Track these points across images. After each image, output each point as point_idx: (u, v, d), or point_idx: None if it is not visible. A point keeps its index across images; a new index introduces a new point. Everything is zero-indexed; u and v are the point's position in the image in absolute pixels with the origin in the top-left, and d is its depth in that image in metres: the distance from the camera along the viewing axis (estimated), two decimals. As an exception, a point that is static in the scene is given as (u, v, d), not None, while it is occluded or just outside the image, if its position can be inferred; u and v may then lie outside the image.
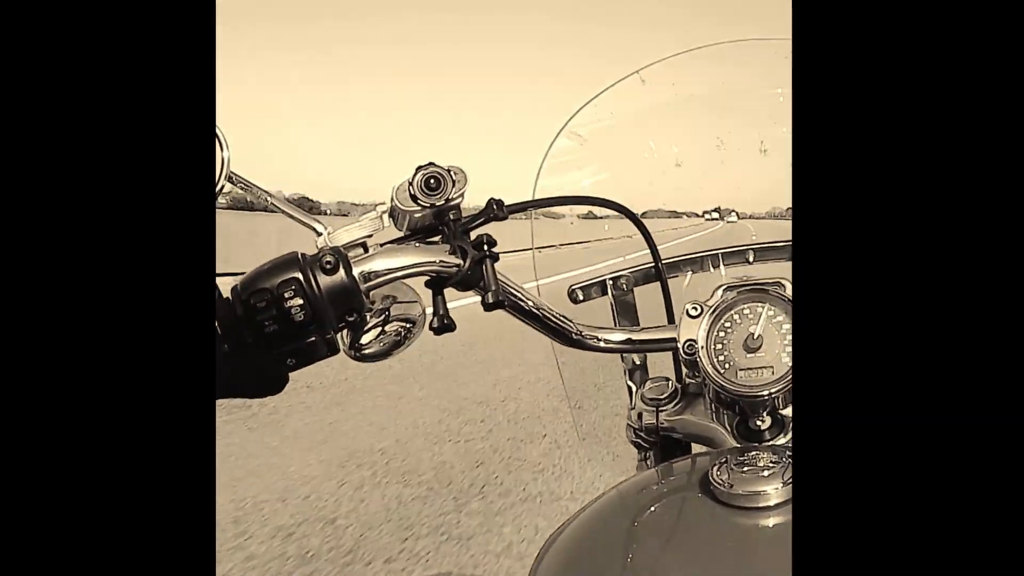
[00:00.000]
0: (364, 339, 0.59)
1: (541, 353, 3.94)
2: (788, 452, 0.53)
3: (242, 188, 0.54)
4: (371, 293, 0.56)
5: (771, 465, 0.51)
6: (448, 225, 0.57)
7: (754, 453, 0.53)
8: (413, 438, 3.32)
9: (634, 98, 0.88)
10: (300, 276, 0.50)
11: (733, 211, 0.99)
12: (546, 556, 0.55)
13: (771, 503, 0.49)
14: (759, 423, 0.64)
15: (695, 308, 0.66)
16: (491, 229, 0.60)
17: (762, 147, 0.86)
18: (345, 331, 0.57)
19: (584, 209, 0.79)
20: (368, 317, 0.58)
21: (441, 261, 0.56)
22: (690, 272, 0.85)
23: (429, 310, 0.57)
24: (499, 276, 0.57)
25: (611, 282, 0.84)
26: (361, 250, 0.57)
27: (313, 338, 0.51)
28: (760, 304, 0.64)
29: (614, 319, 0.84)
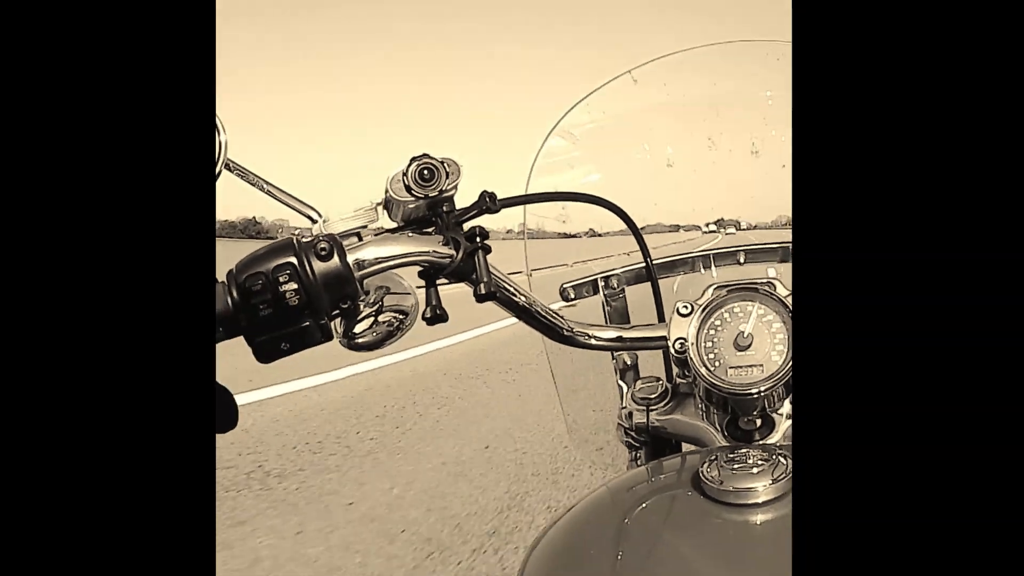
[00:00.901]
0: (358, 328, 0.59)
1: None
2: (778, 451, 0.54)
3: (239, 175, 0.55)
4: (365, 283, 0.57)
5: (761, 463, 0.51)
6: (441, 216, 0.58)
7: (744, 451, 0.54)
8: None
9: (626, 98, 0.88)
10: (295, 261, 0.51)
11: (733, 224, 1.00)
12: (535, 551, 0.55)
13: (761, 500, 0.49)
14: (749, 422, 0.65)
15: (686, 307, 0.66)
16: (483, 220, 0.60)
17: (753, 148, 0.87)
18: (339, 320, 0.57)
19: (588, 226, 0.79)
20: (362, 307, 0.58)
21: (434, 251, 0.56)
22: (681, 273, 0.86)
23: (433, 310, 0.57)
24: (491, 269, 0.57)
25: (602, 281, 0.84)
26: (355, 239, 0.57)
27: (307, 323, 0.52)
28: (751, 303, 0.65)
29: (605, 318, 0.84)
